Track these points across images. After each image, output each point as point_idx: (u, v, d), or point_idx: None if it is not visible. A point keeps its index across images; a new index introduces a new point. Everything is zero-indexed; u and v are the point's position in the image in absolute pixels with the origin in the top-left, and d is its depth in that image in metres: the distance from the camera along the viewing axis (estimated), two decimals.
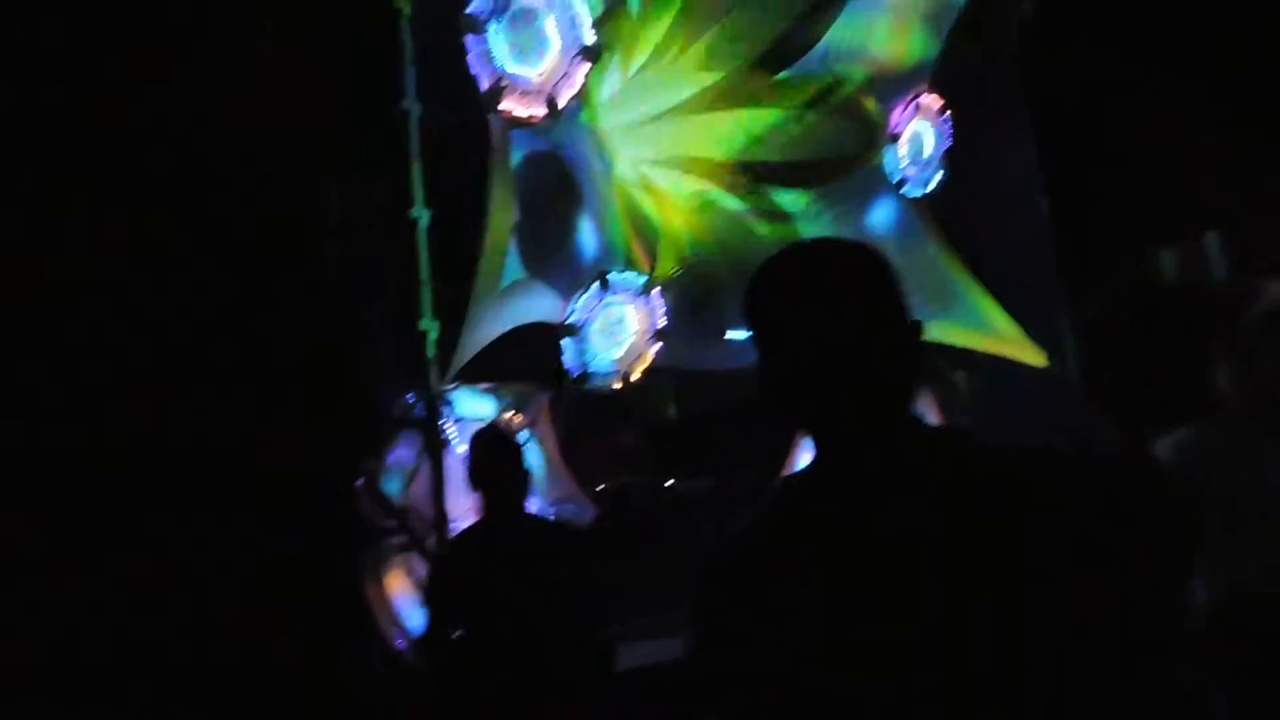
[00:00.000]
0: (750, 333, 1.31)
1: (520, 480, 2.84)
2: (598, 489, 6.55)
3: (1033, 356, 6.50)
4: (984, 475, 1.24)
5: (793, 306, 1.25)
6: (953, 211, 6.63)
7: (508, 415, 5.44)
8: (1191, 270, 7.10)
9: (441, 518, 4.10)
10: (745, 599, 1.30)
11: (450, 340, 4.24)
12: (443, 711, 3.20)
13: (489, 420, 5.15)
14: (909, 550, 1.19)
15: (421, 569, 4.77)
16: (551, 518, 4.11)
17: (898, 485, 1.24)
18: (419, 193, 4.08)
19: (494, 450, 2.89)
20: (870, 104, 6.41)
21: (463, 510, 4.68)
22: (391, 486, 4.59)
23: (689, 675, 1.45)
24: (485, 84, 4.71)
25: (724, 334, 6.25)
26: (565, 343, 5.49)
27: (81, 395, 3.19)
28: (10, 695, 2.89)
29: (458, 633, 2.90)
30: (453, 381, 4.38)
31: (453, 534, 4.26)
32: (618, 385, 5.76)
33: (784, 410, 1.29)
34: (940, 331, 6.72)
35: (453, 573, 2.87)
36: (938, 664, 1.14)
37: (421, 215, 4.09)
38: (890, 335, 1.25)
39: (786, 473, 6.78)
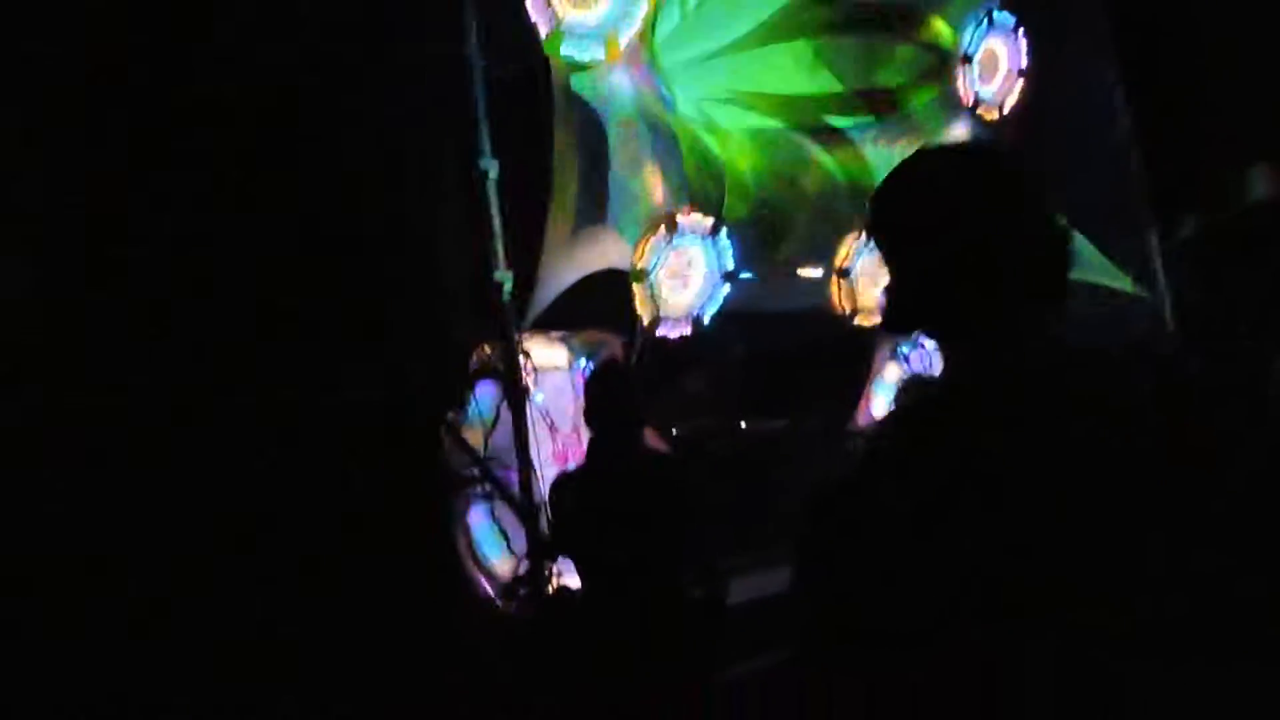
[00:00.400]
0: (879, 238, 1.30)
1: (636, 412, 2.88)
2: (673, 433, 6.61)
3: (1117, 281, 6.27)
4: (1111, 397, 1.20)
5: (929, 207, 1.23)
6: (1030, 132, 6.38)
7: (582, 363, 5.49)
8: None
9: (526, 464, 4.17)
10: (855, 533, 1.28)
11: (525, 289, 4.26)
12: (548, 651, 3.30)
13: (604, 355, 5.24)
14: (1044, 473, 1.12)
15: (506, 516, 4.89)
16: (663, 450, 4.14)
17: (1031, 402, 1.18)
18: (486, 144, 4.07)
19: (611, 383, 2.94)
20: (940, 25, 6.16)
21: (544, 458, 4.76)
22: (472, 436, 4.68)
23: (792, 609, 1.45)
24: (545, 30, 4.65)
25: (793, 273, 6.17)
26: (635, 288, 5.49)
27: (159, 350, 3.28)
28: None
29: (568, 565, 2.98)
30: (528, 330, 4.42)
31: (547, 475, 4.35)
32: (688, 329, 5.75)
33: (912, 319, 1.28)
34: None
35: (570, 505, 2.93)
36: (1077, 599, 1.10)
37: (490, 166, 4.08)
38: (1029, 239, 1.22)
39: (860, 410, 6.73)
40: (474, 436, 4.72)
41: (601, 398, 3.01)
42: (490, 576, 4.85)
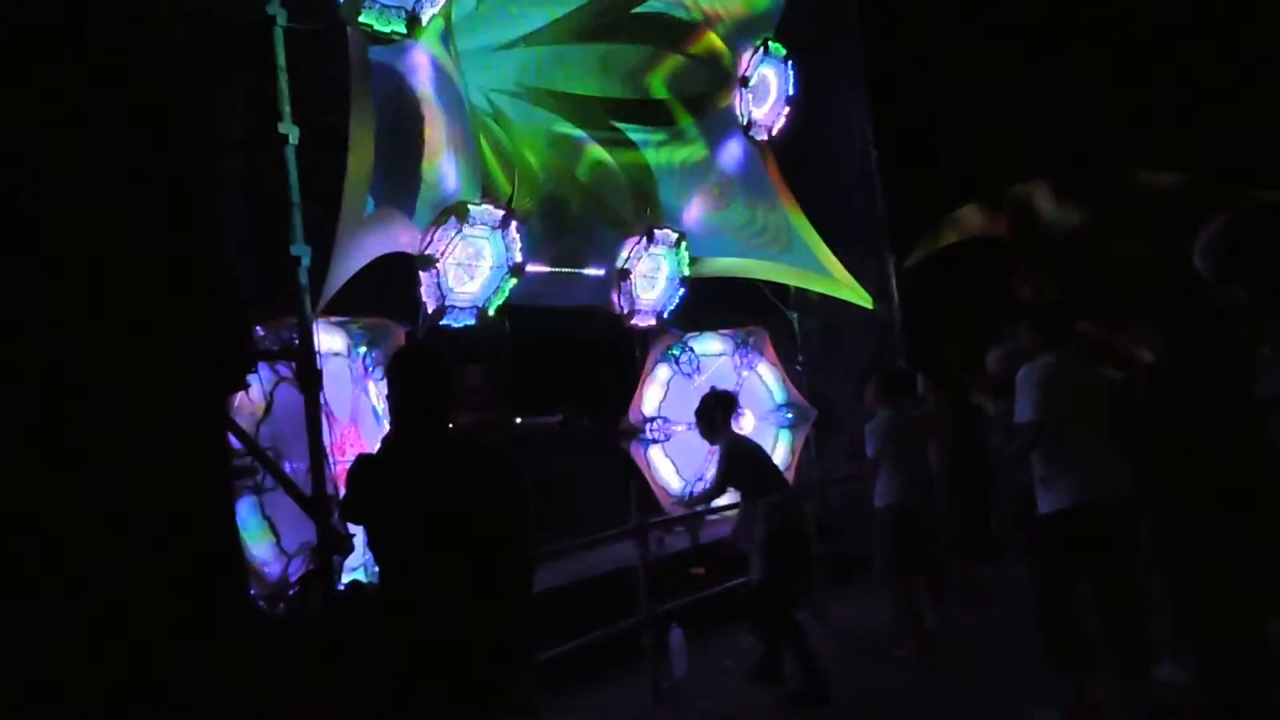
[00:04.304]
0: None
1: (444, 396, 2.74)
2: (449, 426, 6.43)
3: (860, 299, 6.94)
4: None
5: None
6: (793, 157, 6.91)
7: (362, 350, 5.21)
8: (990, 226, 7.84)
9: (319, 454, 3.88)
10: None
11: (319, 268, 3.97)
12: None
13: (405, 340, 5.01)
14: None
15: (277, 511, 4.52)
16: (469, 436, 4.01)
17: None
18: (286, 107, 3.75)
19: (418, 364, 2.77)
20: (722, 46, 6.51)
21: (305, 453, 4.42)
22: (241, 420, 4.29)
23: None
24: None
25: (579, 270, 6.24)
26: (421, 276, 5.29)
27: None
28: None
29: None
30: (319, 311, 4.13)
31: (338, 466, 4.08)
32: (473, 320, 5.64)
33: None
34: (778, 273, 7.05)
35: (373, 487, 2.72)
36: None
37: (290, 131, 3.76)
38: None
39: (632, 408, 6.93)
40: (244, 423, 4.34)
41: (405, 378, 2.84)
42: (258, 577, 4.46)
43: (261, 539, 4.56)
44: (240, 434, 3.89)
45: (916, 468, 5.20)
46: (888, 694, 4.74)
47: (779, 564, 4.76)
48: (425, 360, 2.82)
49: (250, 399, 4.48)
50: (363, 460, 2.90)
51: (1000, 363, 4.46)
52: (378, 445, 2.89)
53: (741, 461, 5.01)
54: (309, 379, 3.80)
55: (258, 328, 4.43)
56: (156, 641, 3.08)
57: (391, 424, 2.93)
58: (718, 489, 5.12)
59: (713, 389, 5.45)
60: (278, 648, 3.88)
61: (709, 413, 5.13)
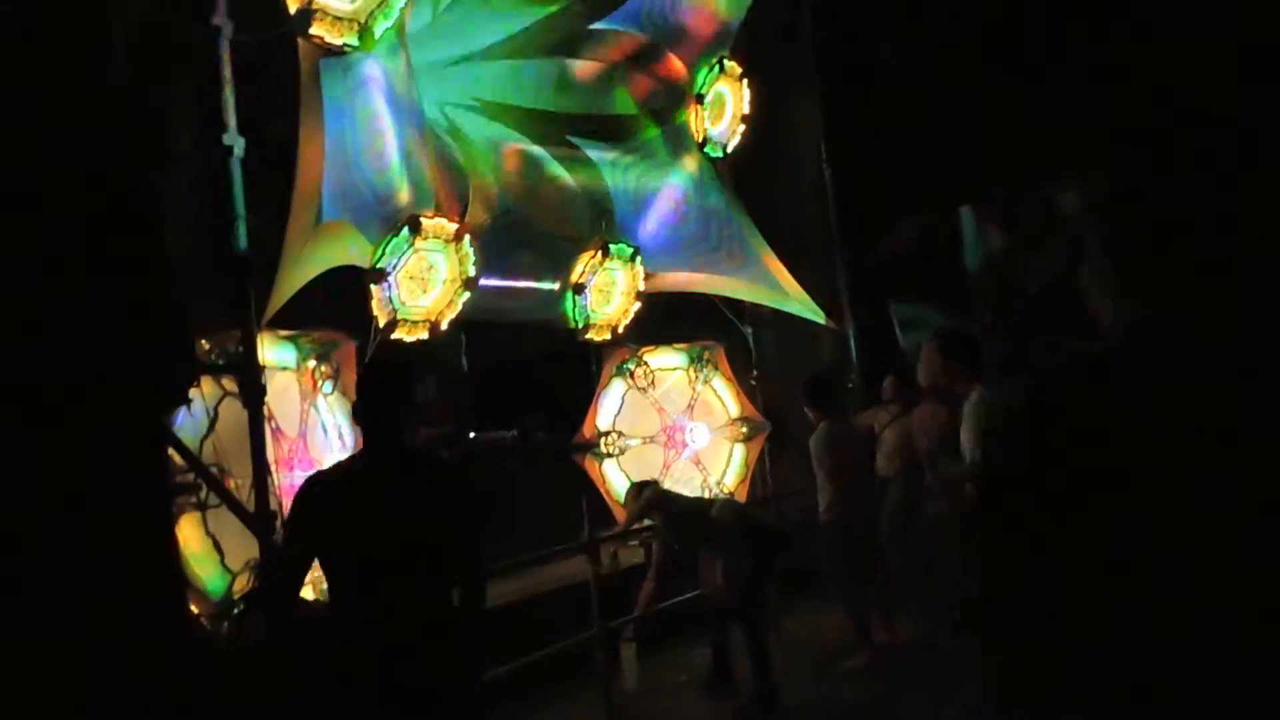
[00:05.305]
0: None
1: (408, 409, 2.73)
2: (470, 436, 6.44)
3: (814, 314, 7.01)
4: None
5: None
6: (747, 173, 6.97)
7: (311, 364, 5.14)
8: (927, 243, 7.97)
9: (262, 470, 3.82)
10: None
11: (266, 280, 3.92)
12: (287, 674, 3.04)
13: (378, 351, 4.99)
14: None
15: (222, 528, 4.44)
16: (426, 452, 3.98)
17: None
18: (232, 118, 3.71)
19: (388, 378, 2.76)
20: (677, 64, 6.56)
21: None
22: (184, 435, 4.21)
23: None
24: (295, 5, 4.35)
25: (532, 284, 6.22)
26: (373, 289, 5.25)
27: None
28: None
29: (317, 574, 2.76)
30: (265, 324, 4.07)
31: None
32: (425, 334, 5.60)
33: None
34: (733, 288, 7.09)
35: (329, 507, 2.68)
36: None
37: (236, 143, 3.72)
38: None
39: (587, 423, 6.91)
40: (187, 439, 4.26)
41: (378, 395, 2.83)
42: (201, 596, 4.37)
43: (205, 557, 4.47)
44: (183, 450, 3.81)
45: (858, 479, 5.25)
46: (838, 706, 4.77)
47: (743, 565, 4.84)
48: (394, 373, 2.82)
49: (192, 414, 4.41)
50: (312, 484, 2.84)
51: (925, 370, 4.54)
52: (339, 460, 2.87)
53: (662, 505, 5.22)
54: (252, 393, 3.74)
55: (202, 341, 4.37)
56: (95, 660, 3.01)
57: (363, 437, 2.89)
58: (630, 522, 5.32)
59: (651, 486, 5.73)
60: (222, 667, 3.81)
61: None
